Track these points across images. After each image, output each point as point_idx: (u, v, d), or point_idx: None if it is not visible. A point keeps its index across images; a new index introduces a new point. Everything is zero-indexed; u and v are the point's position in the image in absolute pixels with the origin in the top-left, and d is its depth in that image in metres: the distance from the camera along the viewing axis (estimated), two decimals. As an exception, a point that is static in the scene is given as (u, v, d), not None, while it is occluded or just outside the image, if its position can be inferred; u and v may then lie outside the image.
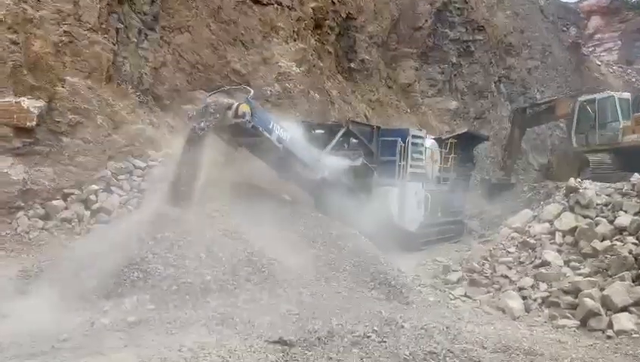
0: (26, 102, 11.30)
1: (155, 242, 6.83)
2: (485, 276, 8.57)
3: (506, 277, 8.47)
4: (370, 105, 22.85)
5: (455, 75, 24.48)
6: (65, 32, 12.17)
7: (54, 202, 10.81)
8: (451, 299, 8.19)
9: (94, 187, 11.12)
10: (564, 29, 33.38)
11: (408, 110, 24.09)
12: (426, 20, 23.67)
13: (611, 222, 8.62)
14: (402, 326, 5.93)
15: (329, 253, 8.25)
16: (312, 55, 19.74)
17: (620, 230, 8.41)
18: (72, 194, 11.00)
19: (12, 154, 11.27)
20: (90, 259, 6.75)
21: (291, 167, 9.83)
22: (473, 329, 6.27)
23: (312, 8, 20.44)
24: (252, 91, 9.09)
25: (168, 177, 8.39)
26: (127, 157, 12.39)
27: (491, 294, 8.24)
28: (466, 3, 23.96)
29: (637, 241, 8.02)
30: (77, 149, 12.09)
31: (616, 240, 8.21)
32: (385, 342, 5.60)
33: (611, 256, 7.88)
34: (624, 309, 7.02)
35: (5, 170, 11.05)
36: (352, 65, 22.38)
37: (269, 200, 9.11)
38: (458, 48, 24.11)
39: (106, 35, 12.97)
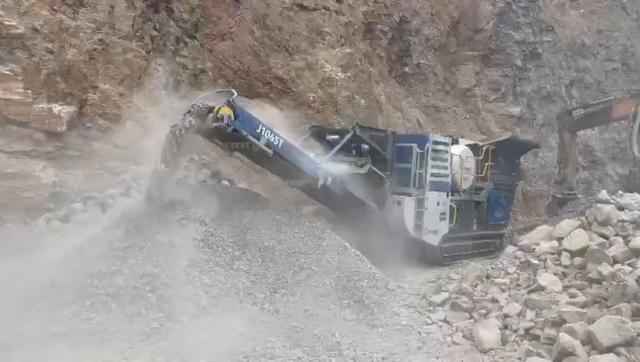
0: (57, 108, 11.60)
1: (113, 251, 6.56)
2: (473, 299, 7.48)
3: (496, 301, 7.32)
4: (424, 111, 21.74)
5: (520, 78, 22.68)
6: (99, 40, 12.42)
7: (75, 205, 10.98)
8: (427, 324, 7.21)
9: (113, 191, 11.18)
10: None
11: (467, 116, 22.68)
12: (488, 22, 22.16)
13: (628, 242, 7.18)
14: (340, 354, 5.19)
15: (312, 265, 7.61)
16: (360, 60, 19.04)
17: (636, 253, 6.97)
18: (93, 197, 11.13)
19: (44, 158, 11.59)
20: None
21: (289, 174, 9.28)
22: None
23: (363, 12, 19.79)
24: (235, 93, 8.62)
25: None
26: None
27: (472, 321, 7.15)
28: (533, 2, 22.14)
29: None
30: (106, 154, 12.27)
31: (628, 264, 6.81)
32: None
33: (614, 283, 6.52)
34: (611, 349, 5.74)
35: (37, 173, 11.38)
36: (406, 69, 21.40)
37: (262, 207, 8.60)
38: (523, 50, 22.31)
39: (140, 43, 13.12)
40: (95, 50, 12.34)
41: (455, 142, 12.09)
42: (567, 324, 6.13)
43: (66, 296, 6.00)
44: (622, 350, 5.73)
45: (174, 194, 7.79)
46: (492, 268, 8.09)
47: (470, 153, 12.02)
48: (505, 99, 22.42)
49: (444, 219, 11.18)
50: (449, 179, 11.32)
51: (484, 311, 7.21)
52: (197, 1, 15.38)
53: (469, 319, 7.21)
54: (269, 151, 8.51)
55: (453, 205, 11.30)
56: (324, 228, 8.75)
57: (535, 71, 22.61)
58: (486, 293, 7.50)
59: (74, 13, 12.21)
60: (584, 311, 6.36)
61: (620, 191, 8.51)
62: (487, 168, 12.24)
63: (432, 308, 7.65)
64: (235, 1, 16.66)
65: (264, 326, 6.15)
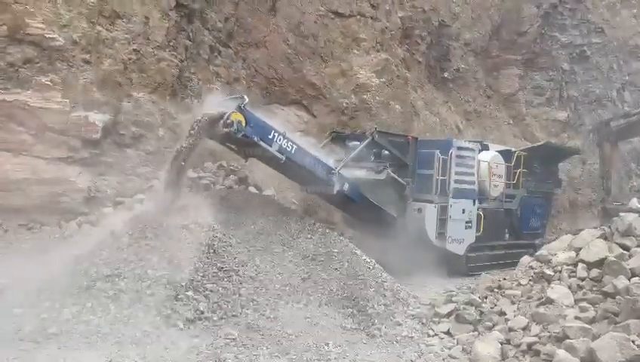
0: (93, 116, 12.01)
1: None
2: (480, 311, 7.03)
3: (503, 313, 6.84)
4: (464, 116, 21.13)
5: (567, 82, 21.66)
6: (134, 50, 12.76)
7: (105, 209, 11.31)
8: (429, 336, 6.84)
9: (141, 196, 11.42)
10: None
11: (510, 121, 21.88)
12: (532, 24, 21.31)
13: (649, 254, 6.53)
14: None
15: (321, 272, 7.44)
16: (396, 66, 18.73)
17: None
18: (123, 202, 11.41)
19: (80, 164, 11.99)
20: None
21: (305, 179, 9.15)
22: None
23: (400, 18, 19.49)
24: (247, 99, 8.59)
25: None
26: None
27: (476, 334, 6.71)
28: (580, 3, 21.10)
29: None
30: (139, 160, 12.59)
31: None
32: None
33: (627, 297, 5.94)
34: None
35: (73, 179, 11.81)
36: (446, 74, 20.89)
37: (277, 213, 8.52)
38: (570, 53, 21.29)
39: (173, 52, 13.40)
40: (130, 60, 12.69)
41: (485, 147, 11.59)
42: (569, 340, 5.67)
43: (69, 297, 6.13)
44: (624, 370, 5.24)
45: (185, 200, 7.84)
46: (504, 279, 7.64)
47: (500, 159, 11.47)
48: (550, 104, 21.48)
49: (471, 227, 10.71)
50: (475, 186, 10.84)
51: (489, 324, 6.79)
52: (231, 10, 15.60)
53: (473, 332, 6.82)
54: (282, 157, 8.44)
55: (480, 213, 10.81)
56: (337, 235, 8.57)
57: (583, 74, 21.54)
58: (495, 305, 7.08)
59: (110, 25, 12.61)
60: (589, 326, 5.86)
61: (656, 200, 7.86)
62: (518, 175, 11.65)
63: (437, 319, 7.30)
64: (270, 9, 16.82)
65: (259, 333, 6.06)
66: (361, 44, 18.13)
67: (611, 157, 16.25)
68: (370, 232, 9.80)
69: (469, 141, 11.83)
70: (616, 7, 21.81)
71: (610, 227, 7.40)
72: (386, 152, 10.09)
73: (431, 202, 10.26)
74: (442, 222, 10.28)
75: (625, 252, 6.84)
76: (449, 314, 7.24)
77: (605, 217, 16.80)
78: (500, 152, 11.83)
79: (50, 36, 11.83)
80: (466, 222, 10.66)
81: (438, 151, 10.35)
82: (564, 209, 20.64)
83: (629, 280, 6.32)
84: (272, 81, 16.61)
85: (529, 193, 12.14)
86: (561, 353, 5.50)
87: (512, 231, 11.79)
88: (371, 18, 18.53)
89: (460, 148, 10.74)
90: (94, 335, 5.56)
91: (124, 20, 12.71)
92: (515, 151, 12.18)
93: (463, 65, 21.07)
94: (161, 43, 13.12)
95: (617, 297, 6.16)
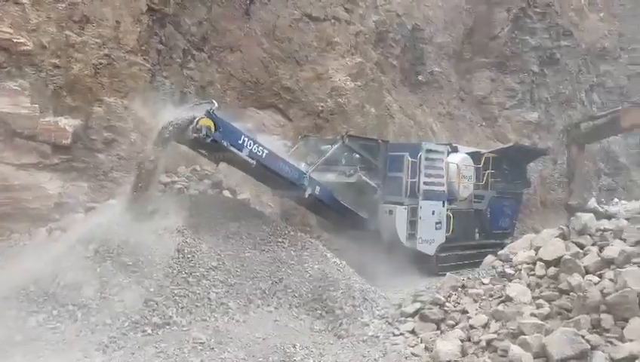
0: (63, 121, 11.83)
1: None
2: (445, 309, 7.17)
3: (466, 312, 6.98)
4: (439, 119, 21.38)
5: (537, 84, 22.09)
6: (105, 54, 12.62)
7: (76, 215, 11.15)
8: (394, 335, 6.94)
9: (113, 201, 11.30)
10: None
11: (483, 123, 22.21)
12: (503, 28, 21.70)
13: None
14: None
15: (291, 275, 7.48)
16: (371, 69, 18.89)
17: (607, 263, 6.54)
18: (94, 208, 11.27)
19: (50, 170, 11.77)
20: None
21: (277, 183, 9.19)
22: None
23: (375, 22, 19.67)
24: (216, 104, 8.60)
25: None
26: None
27: (438, 332, 6.84)
28: (549, 7, 21.55)
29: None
30: (111, 165, 12.45)
31: (598, 274, 6.40)
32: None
33: (579, 294, 6.13)
34: None
35: (43, 185, 11.60)
36: (420, 77, 21.12)
37: (249, 217, 8.52)
38: (540, 56, 21.72)
39: (146, 57, 13.30)
40: (101, 64, 12.54)
41: (454, 150, 11.77)
42: (523, 336, 5.83)
43: (36, 304, 6.04)
44: (573, 364, 5.42)
45: (155, 205, 7.80)
46: (468, 278, 7.78)
47: (469, 161, 11.66)
48: (522, 105, 21.88)
49: (440, 228, 10.87)
50: (445, 188, 11.01)
51: (452, 323, 6.91)
52: (205, 15, 15.53)
53: (437, 330, 6.93)
54: (252, 161, 8.46)
55: (450, 214, 10.98)
56: (309, 239, 8.61)
57: (553, 76, 22.01)
58: (458, 304, 7.20)
59: (81, 29, 12.46)
60: (542, 323, 6.03)
61: (617, 199, 8.07)
62: (487, 176, 11.87)
63: (403, 318, 7.39)
64: (244, 14, 16.81)
65: (228, 336, 6.06)
66: (336, 47, 18.24)
67: (577, 159, 16.54)
68: (344, 235, 9.87)
69: (438, 144, 11.99)
70: (584, 10, 22.35)
71: (568, 226, 7.59)
72: (357, 156, 10.18)
73: (401, 204, 10.38)
74: (412, 223, 10.41)
75: (580, 250, 7.03)
76: (414, 314, 7.34)
77: (570, 216, 17.19)
78: (469, 154, 12.03)
79: (19, 41, 11.62)
80: (436, 223, 10.81)
81: (407, 155, 10.48)
82: (537, 208, 21.01)
83: (582, 277, 6.50)
84: (247, 85, 16.57)
85: (498, 193, 12.36)
86: (515, 348, 5.66)
87: (482, 230, 12.00)
88: (346, 22, 18.67)
89: (429, 151, 10.89)
90: (60, 343, 5.50)
91: (94, 25, 12.56)
92: (484, 153, 12.38)
93: (436, 69, 21.34)
94: (132, 47, 13.00)
95: (571, 294, 6.34)
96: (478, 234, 11.91)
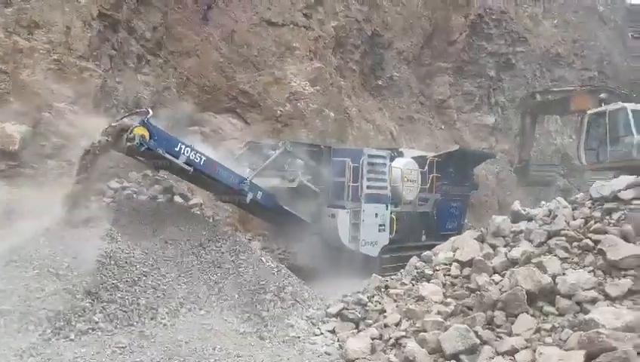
0: (10, 127, 11.71)
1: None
2: (366, 309, 7.39)
3: (384, 311, 7.21)
4: (398, 123, 21.68)
5: (494, 89, 22.61)
6: (54, 60, 12.52)
7: (24, 222, 11.01)
8: (315, 335, 7.13)
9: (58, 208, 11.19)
10: (637, 35, 29.79)
11: (442, 126, 22.60)
12: (461, 34, 22.14)
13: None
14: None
15: (225, 279, 7.59)
16: (330, 74, 19.06)
17: (513, 263, 6.86)
18: (43, 214, 11.15)
19: (-2, 176, 11.70)
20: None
21: (218, 190, 9.29)
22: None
23: (334, 27, 19.85)
24: (151, 113, 8.67)
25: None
26: (108, 180, 12.44)
27: (356, 331, 7.05)
28: (504, 14, 22.08)
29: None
30: (61, 171, 12.35)
31: (503, 274, 6.70)
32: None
33: (477, 293, 6.43)
34: (455, 357, 5.72)
35: (-11, 192, 11.48)
36: (380, 82, 21.41)
37: (188, 222, 8.59)
38: (497, 61, 22.25)
39: (97, 62, 13.25)
40: (50, 70, 12.44)
41: (400, 154, 12.05)
42: (422, 333, 6.09)
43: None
44: (464, 358, 5.69)
45: (91, 211, 7.82)
46: (391, 278, 8.01)
47: (414, 165, 11.94)
48: (479, 109, 22.34)
49: (384, 230, 11.10)
50: (388, 191, 11.25)
51: (370, 322, 7.13)
52: (160, 20, 15.53)
53: (355, 329, 7.13)
54: (189, 168, 8.55)
55: (394, 216, 11.23)
56: (247, 243, 8.74)
57: (509, 81, 22.54)
58: (379, 303, 7.42)
59: (29, 35, 12.35)
60: (442, 320, 6.29)
61: (543, 202, 8.38)
62: (432, 179, 12.17)
63: (327, 319, 7.58)
64: (202, 19, 16.85)
65: (151, 340, 6.12)
66: (295, 52, 18.35)
67: (529, 129, 17.16)
68: (290, 239, 10.00)
69: (381, 149, 12.24)
70: (538, 17, 22.94)
71: (486, 228, 7.87)
72: (300, 161, 10.35)
73: (343, 208, 10.58)
74: (355, 226, 10.62)
75: (491, 251, 7.32)
76: (337, 314, 7.52)
77: (520, 177, 17.90)
78: (415, 158, 12.30)
79: (-37, 46, 11.51)
80: (380, 226, 11.03)
81: (349, 160, 10.69)
82: (493, 209, 21.43)
83: (490, 277, 6.78)
84: (205, 90, 16.61)
85: (444, 196, 12.66)
86: (411, 345, 5.89)
87: (428, 232, 12.27)
88: (305, 27, 18.80)
89: (371, 156, 11.12)
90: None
91: (43, 30, 12.46)
92: (429, 157, 12.67)
93: (396, 74, 21.64)
94: (83, 53, 12.92)
95: (476, 292, 6.61)
96: (424, 235, 12.16)
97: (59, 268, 6.57)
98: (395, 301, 7.27)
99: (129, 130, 7.96)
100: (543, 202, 8.28)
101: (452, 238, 8.29)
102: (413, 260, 8.15)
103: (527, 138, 17.76)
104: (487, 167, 20.39)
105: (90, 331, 6.13)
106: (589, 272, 6.37)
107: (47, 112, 12.32)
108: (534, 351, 5.51)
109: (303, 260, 10.05)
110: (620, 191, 7.32)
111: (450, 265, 7.42)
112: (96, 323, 6.23)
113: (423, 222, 12.17)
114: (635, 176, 7.61)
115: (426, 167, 12.19)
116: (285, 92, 17.62)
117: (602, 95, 14.70)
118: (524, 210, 7.84)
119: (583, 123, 14.32)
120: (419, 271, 7.71)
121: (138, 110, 9.26)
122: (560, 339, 5.62)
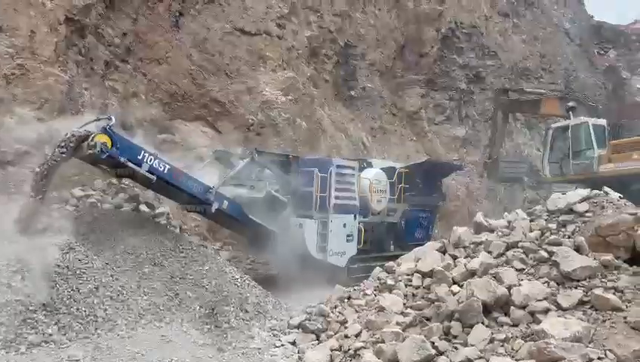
0: (-30, 132, 11.46)
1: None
2: (328, 320, 7.42)
3: (345, 322, 7.27)
4: (371, 133, 21.89)
5: (465, 101, 23.05)
6: (18, 65, 12.31)
7: (-20, 230, 10.75)
8: (275, 347, 7.14)
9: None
10: (602, 52, 30.79)
11: (414, 138, 22.89)
12: (432, 47, 22.54)
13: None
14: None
15: (188, 291, 7.53)
16: (303, 84, 19.16)
17: (471, 273, 7.00)
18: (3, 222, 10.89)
19: (-45, 183, 11.40)
20: None
21: (183, 199, 9.24)
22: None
23: (307, 37, 20.00)
24: (113, 120, 8.62)
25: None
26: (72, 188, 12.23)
27: (316, 343, 7.10)
28: (475, 28, 22.57)
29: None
30: (24, 178, 12.10)
31: (461, 285, 6.84)
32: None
33: (436, 304, 6.55)
34: None
35: (-53, 198, 11.18)
36: (353, 93, 21.61)
37: (151, 232, 8.51)
38: (467, 74, 22.71)
39: (63, 68, 13.06)
40: (13, 75, 12.23)
41: (369, 165, 12.16)
42: (379, 344, 6.15)
43: None
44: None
45: (51, 220, 7.69)
46: (354, 289, 8.07)
47: (383, 176, 12.08)
48: (450, 121, 22.72)
49: (352, 240, 11.18)
50: (356, 202, 11.35)
51: (331, 333, 7.16)
52: (130, 26, 15.41)
53: (316, 341, 7.15)
54: (152, 177, 8.49)
55: (362, 227, 11.32)
56: (212, 254, 8.69)
57: (479, 93, 23.00)
58: (341, 314, 7.46)
59: (-8, 39, 12.13)
60: (400, 331, 6.35)
61: (506, 213, 8.56)
62: (400, 190, 12.32)
63: (288, 330, 7.59)
64: (173, 26, 16.78)
65: (106, 353, 6.03)
66: (268, 62, 18.42)
67: (500, 125, 17.53)
68: (257, 249, 9.98)
69: (350, 160, 12.36)
70: (507, 32, 23.53)
71: (448, 239, 8.00)
72: (268, 171, 10.37)
73: (311, 217, 10.63)
74: (323, 236, 10.67)
75: (451, 262, 7.44)
76: (299, 325, 7.53)
77: (489, 173, 18.33)
78: (384, 169, 12.43)
79: None
80: (347, 236, 11.10)
81: (317, 170, 10.75)
82: (464, 219, 21.73)
83: (449, 287, 6.89)
84: (175, 97, 16.50)
85: (412, 206, 12.82)
86: (367, 355, 5.93)
87: (396, 242, 12.39)
88: (278, 37, 18.90)
89: (339, 167, 11.21)
90: None
91: (7, 34, 12.25)
92: (398, 169, 12.82)
93: (368, 84, 21.88)
94: (48, 58, 12.72)
95: (435, 303, 6.71)
96: (393, 245, 12.28)
97: (11, 278, 6.43)
98: (357, 311, 7.30)
99: (90, 138, 7.87)
100: (505, 213, 8.45)
101: (415, 249, 8.39)
102: (377, 271, 8.21)
103: (498, 134, 18.15)
104: (457, 178, 20.71)
105: (43, 344, 6.00)
106: (543, 283, 6.51)
107: (9, 118, 12.08)
108: (487, 361, 5.60)
109: (270, 270, 10.02)
110: (575, 203, 7.53)
111: (412, 275, 7.49)
112: (50, 335, 6.11)
113: (392, 233, 12.30)
114: (589, 189, 7.85)
115: (395, 178, 12.33)
116: (257, 101, 17.65)
117: (571, 103, 15.17)
118: (487, 222, 7.98)
119: (547, 136, 14.72)
120: (382, 281, 7.77)
121: (101, 117, 9.14)
122: (512, 349, 5.73)
